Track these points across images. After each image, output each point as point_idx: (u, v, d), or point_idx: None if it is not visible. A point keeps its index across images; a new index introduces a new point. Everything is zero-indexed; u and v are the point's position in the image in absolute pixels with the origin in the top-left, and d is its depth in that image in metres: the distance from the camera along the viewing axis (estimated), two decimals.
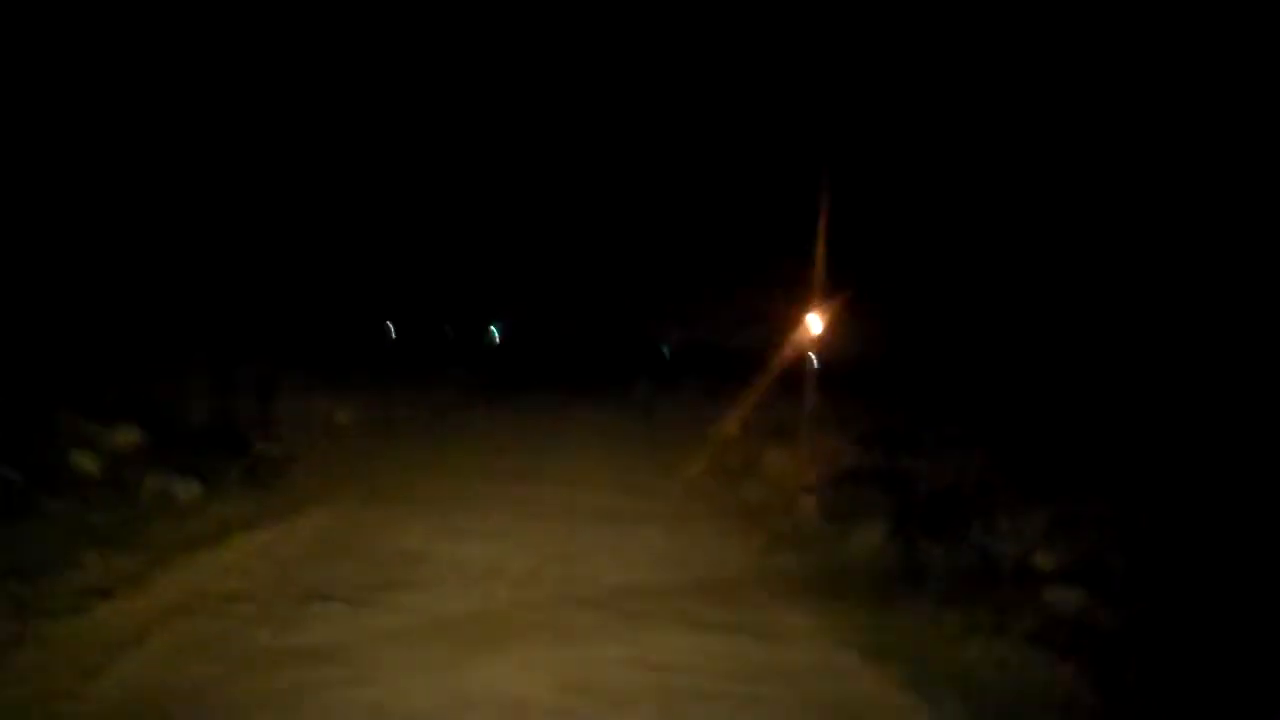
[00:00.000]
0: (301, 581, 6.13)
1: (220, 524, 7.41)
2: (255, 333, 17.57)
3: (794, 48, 26.20)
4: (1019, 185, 20.74)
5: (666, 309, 41.84)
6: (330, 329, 26.23)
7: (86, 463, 7.92)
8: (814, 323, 14.26)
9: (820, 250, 13.63)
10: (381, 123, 26.86)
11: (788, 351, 16.12)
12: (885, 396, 17.83)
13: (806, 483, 10.31)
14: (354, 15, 23.92)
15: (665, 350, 44.02)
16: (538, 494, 9.95)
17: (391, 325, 36.79)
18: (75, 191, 16.31)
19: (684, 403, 20.82)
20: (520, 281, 42.57)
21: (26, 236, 14.55)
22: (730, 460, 12.77)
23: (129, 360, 12.03)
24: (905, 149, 22.29)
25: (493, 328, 47.12)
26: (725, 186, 30.44)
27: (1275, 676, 4.98)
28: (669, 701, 4.60)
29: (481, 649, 5.09)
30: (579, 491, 10.32)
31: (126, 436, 8.87)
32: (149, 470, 8.06)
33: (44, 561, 5.81)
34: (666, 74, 32.39)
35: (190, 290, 18.42)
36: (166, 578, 6.00)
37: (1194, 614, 5.87)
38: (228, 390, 12.08)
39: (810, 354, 15.53)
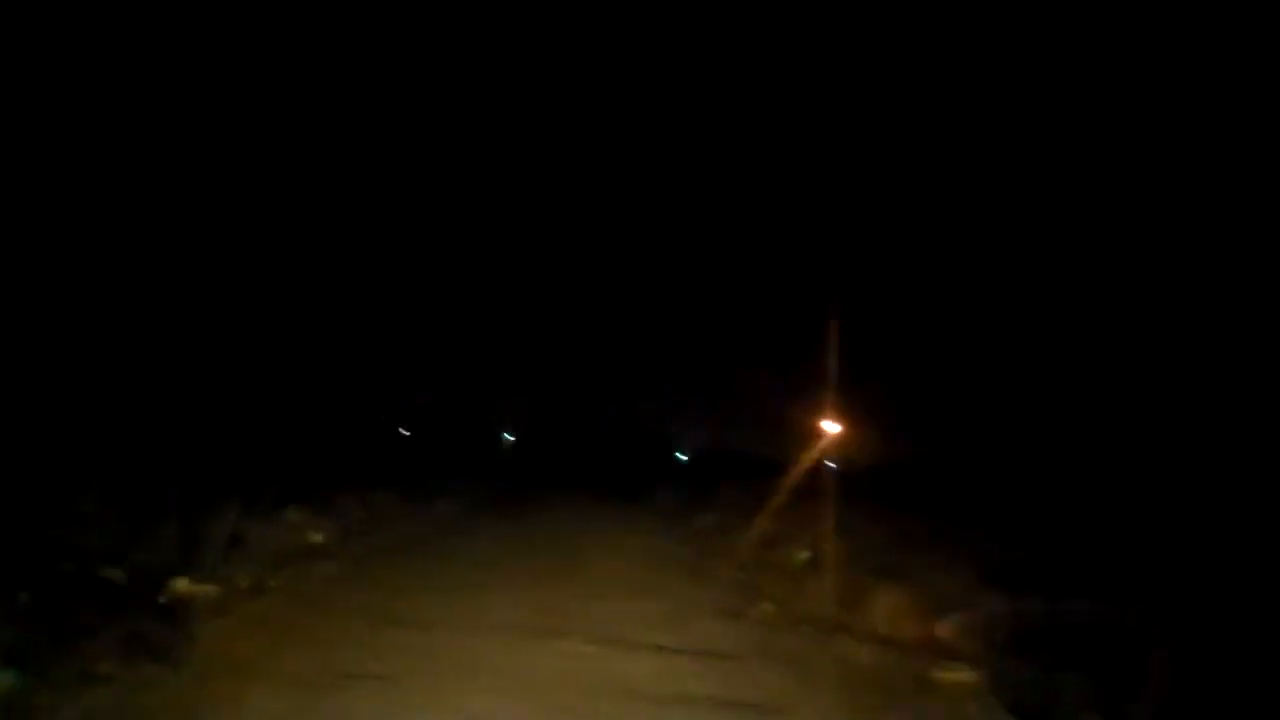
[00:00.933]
0: None
1: None
2: (227, 427, 14.96)
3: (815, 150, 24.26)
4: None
5: (681, 410, 40.27)
6: (322, 421, 23.09)
7: None
8: (830, 426, 13.77)
9: (833, 351, 13.15)
10: (391, 205, 25.52)
11: (813, 456, 15.11)
12: (950, 509, 14.90)
13: (947, 642, 7.22)
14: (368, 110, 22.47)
15: (682, 454, 41.75)
16: (563, 664, 6.88)
17: (403, 423, 34.14)
18: None
19: (722, 515, 17.77)
20: (530, 379, 41.07)
21: None
22: (808, 601, 9.69)
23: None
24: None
25: (506, 435, 44.36)
26: (741, 285, 29.27)
27: None
28: None
29: None
30: (616, 656, 7.25)
31: None
32: None
33: None
34: (691, 165, 30.35)
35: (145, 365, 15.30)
36: None
37: None
38: (158, 503, 9.11)
39: (828, 459, 14.76)
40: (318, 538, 11.68)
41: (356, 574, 10.15)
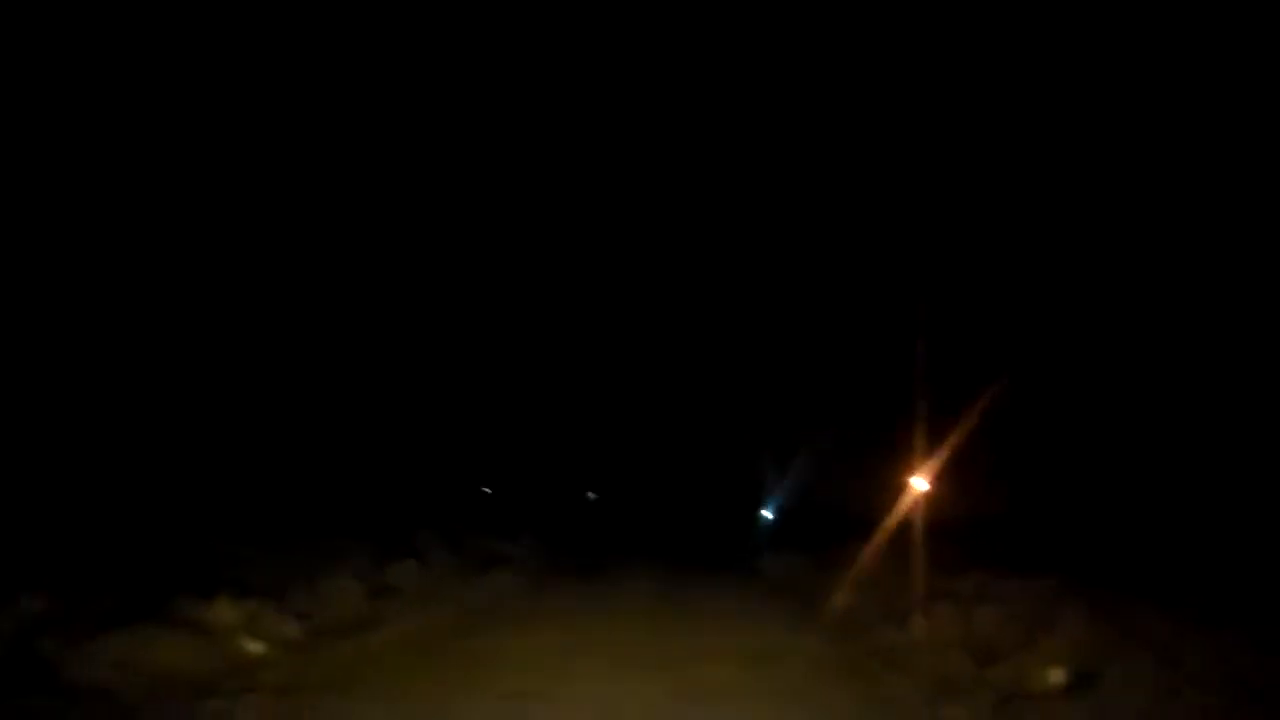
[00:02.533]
0: None
1: None
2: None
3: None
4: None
5: (769, 467, 37.92)
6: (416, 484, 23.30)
7: None
8: (919, 483, 13.09)
9: (923, 405, 13.02)
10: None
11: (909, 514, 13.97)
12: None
13: None
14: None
15: (770, 512, 38.32)
16: None
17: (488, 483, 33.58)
18: None
19: (853, 589, 13.84)
20: (615, 439, 39.63)
21: None
22: None
23: None
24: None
25: (589, 494, 41.95)
26: (826, 340, 28.04)
27: None
28: None
29: None
30: None
31: None
32: None
33: None
34: (776, 211, 28.64)
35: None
36: None
37: None
38: None
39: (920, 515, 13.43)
40: (255, 647, 8.15)
41: None
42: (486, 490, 33.57)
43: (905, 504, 15.28)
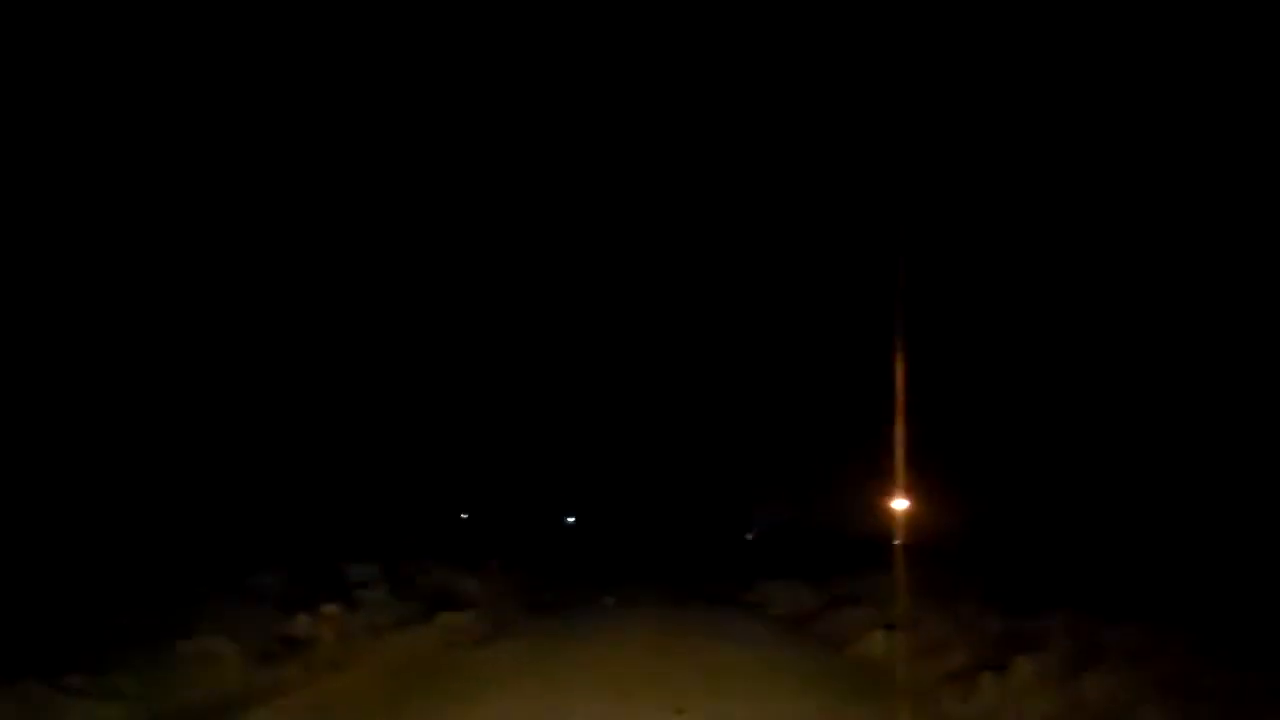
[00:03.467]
0: None
1: None
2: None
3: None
4: None
5: (750, 490, 36.62)
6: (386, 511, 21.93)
7: None
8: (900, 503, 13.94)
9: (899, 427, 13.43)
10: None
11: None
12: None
13: None
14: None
15: (753, 533, 36.89)
16: None
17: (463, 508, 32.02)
18: None
19: (859, 631, 11.25)
20: (592, 463, 37.85)
21: None
22: None
23: None
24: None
25: (567, 518, 39.73)
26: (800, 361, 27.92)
27: None
28: None
29: None
30: None
31: None
32: None
33: None
34: (747, 226, 28.72)
35: None
36: None
37: None
38: None
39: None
40: None
41: None
42: (464, 516, 31.46)
43: (905, 523, 15.29)
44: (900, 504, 15.12)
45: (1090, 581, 12.14)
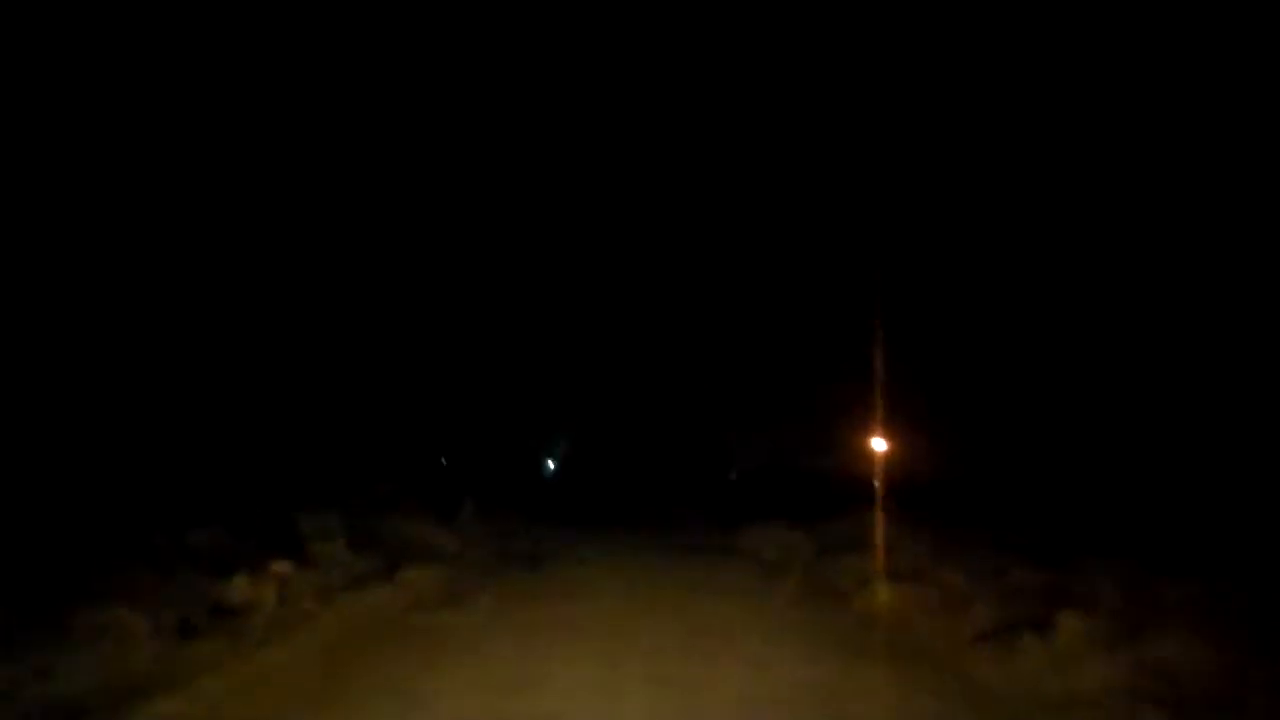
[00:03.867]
0: None
1: None
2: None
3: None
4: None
5: (734, 428, 36.05)
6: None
7: None
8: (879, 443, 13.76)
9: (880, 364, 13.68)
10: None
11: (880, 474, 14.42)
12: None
13: None
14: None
15: (737, 472, 36.29)
16: None
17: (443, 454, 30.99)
18: None
19: (861, 581, 10.28)
20: (575, 404, 37.07)
21: None
22: None
23: None
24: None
25: (549, 462, 38.85)
26: (785, 300, 27.54)
27: None
28: None
29: None
30: None
31: None
32: None
33: None
34: (734, 176, 27.24)
35: None
36: None
37: None
38: None
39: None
40: None
41: None
42: (443, 460, 30.50)
43: (893, 465, 15.08)
44: (881, 444, 14.83)
45: (1110, 531, 11.26)
